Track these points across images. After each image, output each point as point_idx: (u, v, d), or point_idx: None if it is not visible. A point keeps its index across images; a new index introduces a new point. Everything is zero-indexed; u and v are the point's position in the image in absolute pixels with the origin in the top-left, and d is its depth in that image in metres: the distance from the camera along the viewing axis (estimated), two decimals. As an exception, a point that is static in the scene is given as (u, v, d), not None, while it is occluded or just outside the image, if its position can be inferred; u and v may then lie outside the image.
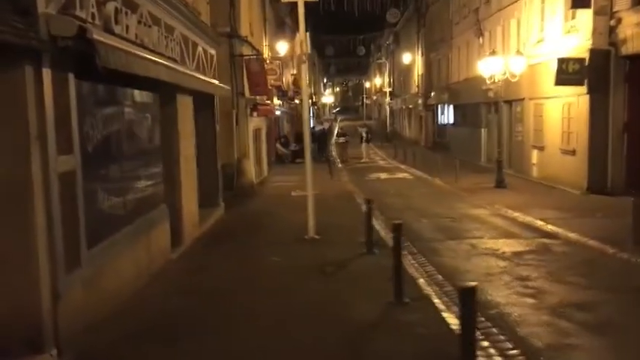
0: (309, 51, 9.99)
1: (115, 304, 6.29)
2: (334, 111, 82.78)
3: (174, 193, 9.30)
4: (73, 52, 5.21)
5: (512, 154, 21.17)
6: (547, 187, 16.91)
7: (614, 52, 14.68)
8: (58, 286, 5.05)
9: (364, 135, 32.03)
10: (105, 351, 5.40)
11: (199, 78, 10.22)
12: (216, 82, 12.01)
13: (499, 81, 17.22)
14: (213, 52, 12.62)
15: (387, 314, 6.20)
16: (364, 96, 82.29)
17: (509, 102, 20.75)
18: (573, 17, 16.34)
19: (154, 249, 8.01)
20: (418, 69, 41.10)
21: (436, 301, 6.65)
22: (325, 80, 79.20)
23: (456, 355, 4.38)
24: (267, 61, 20.88)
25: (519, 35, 20.64)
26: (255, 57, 18.16)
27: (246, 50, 17.78)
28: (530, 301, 6.67)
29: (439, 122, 35.42)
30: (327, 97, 75.93)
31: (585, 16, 15.39)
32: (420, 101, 39.98)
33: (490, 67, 17.37)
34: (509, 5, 21.60)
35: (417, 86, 41.49)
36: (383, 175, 22.64)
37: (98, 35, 5.30)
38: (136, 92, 7.81)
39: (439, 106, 35.06)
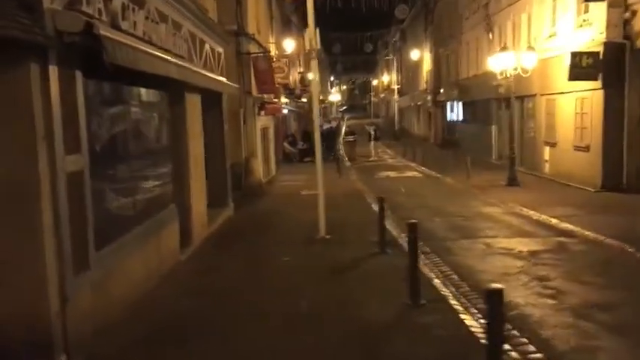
0: (318, 47, 9.80)
1: (124, 307, 6.16)
2: (341, 109, 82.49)
3: (183, 193, 9.16)
4: (79, 49, 5.08)
5: (523, 150, 20.90)
6: (560, 185, 16.65)
7: (629, 45, 14.40)
8: (67, 289, 4.92)
9: (372, 133, 31.85)
10: (115, 355, 5.27)
11: (208, 76, 10.08)
12: (224, 79, 11.86)
13: (510, 76, 16.96)
14: (220, 49, 12.47)
15: (403, 316, 6.02)
16: (371, 94, 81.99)
17: (520, 98, 20.44)
18: (586, 11, 16.06)
19: (163, 250, 7.88)
20: (426, 65, 40.80)
21: (453, 302, 6.46)
22: (332, 78, 78.93)
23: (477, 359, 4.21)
24: (274, 59, 20.72)
25: (530, 30, 20.36)
26: (262, 55, 18.02)
27: (253, 48, 17.63)
28: (550, 301, 6.47)
29: (448, 119, 35.12)
30: (334, 96, 75.62)
31: (599, 9, 15.12)
32: (428, 98, 39.68)
33: (501, 63, 17.13)
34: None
35: (426, 83, 41.20)
36: (392, 174, 22.43)
37: (105, 31, 5.15)
38: (144, 91, 7.68)
39: (448, 103, 34.77)
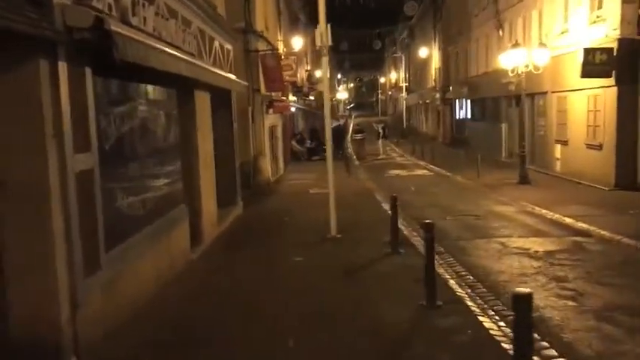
0: (330, 43, 9.64)
1: (134, 309, 6.04)
2: (348, 107, 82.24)
3: (194, 192, 9.05)
4: (89, 45, 4.95)
5: (534, 148, 20.67)
6: (572, 183, 16.43)
7: (644, 41, 14.16)
8: (77, 291, 4.80)
9: (381, 131, 31.66)
10: (125, 359, 5.15)
11: (218, 73, 9.95)
12: (233, 77, 11.74)
13: (522, 73, 16.73)
14: (229, 47, 12.34)
15: (419, 318, 5.87)
16: (379, 91, 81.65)
17: (531, 95, 20.21)
18: (599, 7, 15.82)
19: (174, 250, 7.77)
20: (435, 63, 40.51)
21: (470, 304, 6.30)
22: (339, 76, 78.65)
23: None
24: (283, 57, 20.58)
25: (541, 27, 20.10)
26: (270, 52, 17.88)
27: (261, 46, 17.50)
28: (570, 303, 6.30)
29: (457, 117, 34.86)
30: (342, 93, 75.34)
31: (612, 4, 14.88)
32: (437, 96, 39.41)
33: (512, 60, 16.89)
34: (530, -4, 21.09)
35: (434, 80, 40.91)
36: (402, 172, 22.26)
37: (115, 26, 5.03)
38: (154, 88, 7.55)
39: (457, 101, 34.51)
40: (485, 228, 10.78)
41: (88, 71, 5.22)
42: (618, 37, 14.61)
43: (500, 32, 24.24)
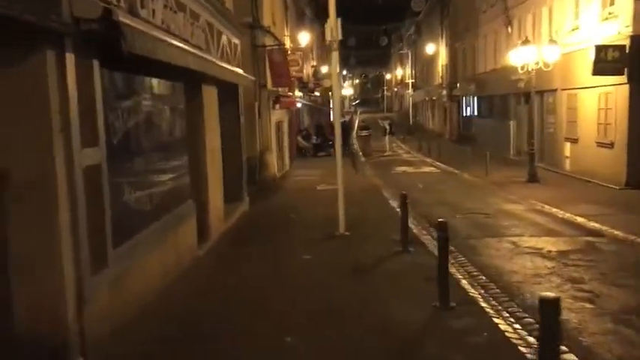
0: (340, 37, 9.48)
1: (141, 306, 5.93)
2: (354, 103, 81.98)
3: (201, 187, 8.93)
4: (96, 37, 4.82)
5: (543, 146, 20.45)
6: (581, 182, 16.24)
7: (657, 39, 13.94)
8: (84, 288, 4.69)
9: (387, 127, 31.51)
10: (132, 356, 5.04)
11: (225, 67, 9.82)
12: (241, 71, 11.60)
13: (532, 70, 16.53)
14: (237, 41, 12.21)
15: (433, 319, 5.73)
16: (384, 88, 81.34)
17: (540, 93, 19.98)
18: (611, 3, 15.59)
19: (181, 246, 7.65)
20: (442, 60, 40.26)
21: (484, 305, 6.16)
22: (345, 72, 78.41)
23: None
24: (289, 52, 20.43)
25: (551, 23, 19.85)
26: (277, 47, 17.73)
27: (268, 41, 17.35)
28: (588, 306, 6.14)
29: (464, 114, 34.63)
30: (347, 90, 75.06)
31: (625, 1, 14.66)
32: (444, 92, 39.17)
33: (522, 57, 16.70)
34: (540, -8, 20.84)
35: (441, 77, 40.66)
36: (408, 169, 22.09)
37: (124, 18, 4.90)
38: (161, 82, 7.43)
39: (464, 98, 34.27)
40: (495, 227, 10.62)
41: (96, 64, 5.09)
42: (631, 34, 14.39)
43: (509, 29, 24.00)
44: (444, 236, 6.03)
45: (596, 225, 10.35)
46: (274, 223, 11.52)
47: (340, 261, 8.19)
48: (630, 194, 13.72)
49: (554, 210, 12.02)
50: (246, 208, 12.63)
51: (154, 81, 7.16)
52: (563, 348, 4.96)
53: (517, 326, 5.51)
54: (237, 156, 12.25)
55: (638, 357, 4.93)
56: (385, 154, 28.69)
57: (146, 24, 5.90)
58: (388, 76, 79.62)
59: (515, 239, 9.43)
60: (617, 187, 14.59)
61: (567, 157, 18.66)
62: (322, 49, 39.91)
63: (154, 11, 6.35)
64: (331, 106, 45.13)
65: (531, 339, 5.19)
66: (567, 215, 11.40)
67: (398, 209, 12.52)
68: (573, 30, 18.01)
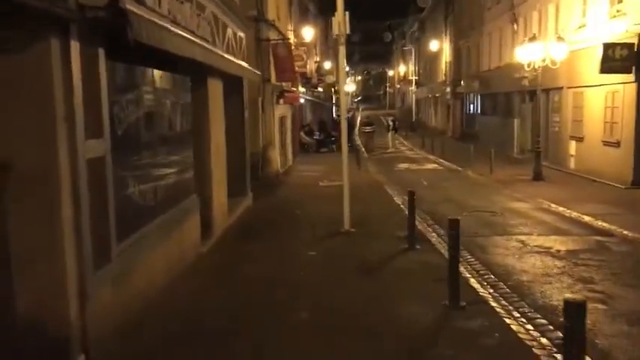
0: (348, 32, 9.32)
1: (144, 303, 5.80)
2: (356, 100, 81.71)
3: (205, 182, 8.79)
4: (102, 24, 4.67)
5: (548, 145, 20.28)
6: (587, 181, 16.10)
7: (666, 37, 13.77)
8: (87, 284, 4.55)
9: (391, 124, 31.32)
10: (134, 354, 4.91)
11: (231, 60, 9.66)
12: (246, 65, 11.44)
13: (539, 68, 16.36)
14: (242, 34, 12.05)
15: (443, 319, 5.59)
16: (387, 84, 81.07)
17: (545, 91, 19.82)
18: (620, 1, 15.43)
19: (185, 241, 7.52)
20: (446, 57, 40.04)
21: (494, 304, 6.03)
22: (347, 68, 78.11)
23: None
24: (293, 47, 20.25)
25: (558, 21, 19.67)
26: (282, 42, 17.55)
27: (272, 35, 17.17)
28: (600, 307, 6.01)
29: (468, 111, 34.44)
30: (349, 86, 74.82)
31: (634, -1, 14.49)
32: (447, 90, 38.97)
33: (529, 54, 16.53)
34: (547, -11, 20.65)
35: (445, 74, 40.45)
36: (412, 166, 21.96)
37: (130, 5, 4.74)
38: (166, 74, 7.28)
39: (468, 95, 34.08)
40: (502, 225, 10.49)
41: (101, 52, 4.94)
42: (639, 32, 14.22)
43: (515, 26, 23.82)
44: (455, 234, 5.89)
45: (605, 224, 10.21)
46: (278, 218, 11.39)
47: (346, 258, 8.06)
48: (637, 193, 13.58)
49: (560, 209, 11.89)
50: (249, 204, 12.49)
51: (160, 73, 7.02)
52: (579, 350, 4.85)
53: (529, 327, 5.38)
54: (241, 151, 12.11)
55: (656, 360, 4.80)
56: (388, 150, 28.54)
57: (153, 13, 5.75)
58: (391, 73, 79.35)
59: (523, 238, 9.30)
60: (623, 187, 14.45)
61: (572, 155, 18.51)
62: (325, 45, 39.74)
63: (160, 0, 6.19)
64: (334, 101, 45.00)
65: (544, 340, 5.08)
66: (574, 214, 11.27)
67: (402, 206, 12.46)
68: (580, 27, 17.84)
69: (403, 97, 69.04)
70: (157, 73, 6.90)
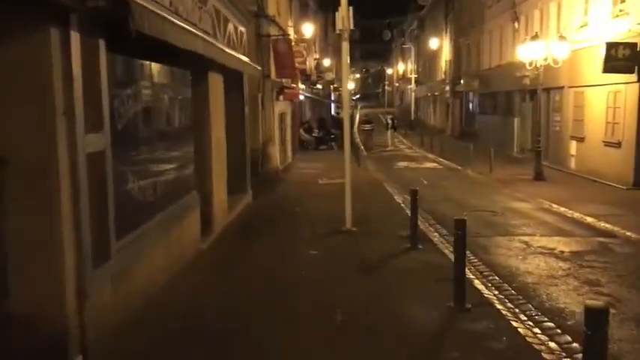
0: (352, 27, 9.19)
1: (144, 301, 5.67)
2: (354, 98, 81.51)
3: (205, 178, 8.66)
4: (103, 14, 4.54)
5: (548, 144, 20.19)
6: (588, 181, 16.02)
7: (670, 37, 13.68)
8: (85, 282, 4.42)
9: (390, 122, 31.20)
10: (133, 355, 4.78)
11: (233, 54, 9.52)
12: (247, 60, 11.30)
13: (540, 67, 16.26)
14: (243, 29, 11.90)
15: (449, 322, 5.48)
16: (386, 83, 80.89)
17: (546, 90, 19.73)
18: (623, 0, 15.32)
19: (185, 239, 7.39)
20: (445, 55, 39.92)
21: (500, 307, 5.91)
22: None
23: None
24: (293, 43, 20.09)
25: (560, 19, 19.57)
26: (282, 37, 17.41)
27: (273, 30, 17.02)
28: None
29: (467, 110, 34.33)
30: (348, 84, 74.60)
31: (637, -2, 14.39)
32: (446, 88, 38.86)
33: (531, 53, 16.42)
34: (549, -12, 20.53)
35: (444, 73, 40.33)
36: (411, 164, 21.85)
37: (133, -5, 4.60)
38: (168, 68, 7.14)
39: (468, 94, 33.98)
40: (504, 225, 10.38)
41: (102, 44, 4.80)
42: (643, 31, 14.15)
43: (516, 24, 23.71)
44: (461, 235, 5.78)
45: (607, 225, 10.12)
46: (278, 216, 11.26)
47: (348, 257, 7.95)
48: (638, 194, 13.50)
49: (562, 209, 11.79)
50: (249, 201, 12.36)
51: (160, 66, 6.88)
52: (589, 355, 4.75)
53: (537, 330, 5.27)
54: (241, 147, 11.97)
55: (668, 366, 4.70)
56: (387, 148, 28.43)
57: (154, 4, 5.60)
58: (389, 71, 79.16)
59: (526, 238, 9.20)
60: (625, 187, 14.38)
61: (573, 155, 18.43)
62: (325, 42, 39.56)
63: (162, -8, 6.05)
64: (332, 98, 44.83)
65: (553, 344, 4.97)
66: (577, 215, 11.18)
67: (403, 204, 12.35)
68: (582, 27, 17.74)
69: (402, 95, 68.91)
70: (157, 66, 6.76)
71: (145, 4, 4.89)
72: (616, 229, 9.86)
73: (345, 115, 10.22)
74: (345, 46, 9.42)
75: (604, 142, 16.24)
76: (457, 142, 29.71)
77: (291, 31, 21.89)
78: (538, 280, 6.95)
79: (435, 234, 9.54)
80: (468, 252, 8.14)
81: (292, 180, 16.88)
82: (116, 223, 5.03)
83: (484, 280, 6.91)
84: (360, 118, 38.70)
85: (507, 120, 25.26)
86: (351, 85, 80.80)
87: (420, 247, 8.37)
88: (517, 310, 5.83)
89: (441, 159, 22.96)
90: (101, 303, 4.69)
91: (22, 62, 4.11)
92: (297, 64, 19.92)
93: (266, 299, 6.14)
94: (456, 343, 4.99)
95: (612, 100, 15.89)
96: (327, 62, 36.26)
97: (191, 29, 6.58)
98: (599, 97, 16.59)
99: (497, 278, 7.04)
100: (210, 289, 6.51)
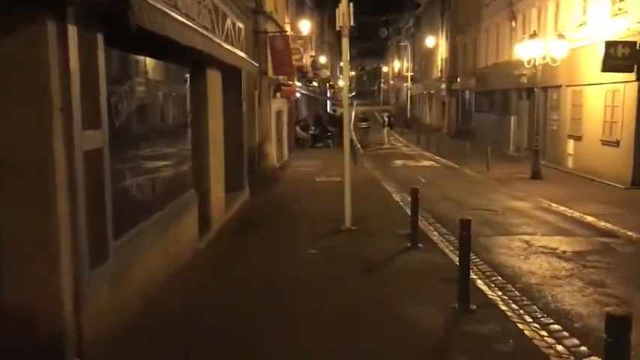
0: (352, 23, 9.07)
1: (142, 302, 5.54)
2: (350, 95, 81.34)
3: (203, 176, 8.52)
4: (101, 7, 4.40)
5: (545, 143, 20.13)
6: (585, 180, 15.98)
7: (669, 36, 13.64)
8: (82, 284, 4.29)
9: (386, 120, 31.11)
10: (132, 357, 4.66)
11: (231, 50, 9.36)
12: (245, 56, 11.15)
13: (539, 65, 16.19)
14: (241, 25, 11.74)
15: (454, 324, 5.38)
16: (381, 80, 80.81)
17: (544, 88, 19.68)
18: (622, -1, 15.28)
19: (182, 237, 7.26)
20: (442, 53, 39.84)
21: (504, 308, 5.82)
22: (342, 64, 77.84)
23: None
24: (290, 40, 19.93)
25: (558, 18, 19.51)
26: (279, 34, 17.25)
27: (270, 27, 16.87)
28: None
29: (464, 108, 34.27)
30: (343, 81, 74.55)
31: (636, -3, 14.34)
32: (442, 86, 38.78)
33: (529, 51, 16.35)
34: (547, -14, 20.47)
35: (440, 71, 40.26)
36: (408, 163, 21.77)
37: (132, -12, 4.46)
38: (165, 64, 6.99)
39: (464, 92, 33.91)
40: (504, 224, 10.30)
41: (100, 38, 4.66)
42: (642, 30, 14.10)
43: (513, 23, 23.64)
44: (466, 235, 5.68)
45: (608, 225, 10.06)
46: (276, 214, 11.14)
47: (348, 257, 7.84)
48: (637, 194, 13.46)
49: (562, 208, 11.73)
50: (246, 199, 12.23)
51: (158, 63, 6.73)
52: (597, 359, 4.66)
53: (543, 333, 5.18)
54: (238, 145, 11.83)
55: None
56: (384, 146, 28.33)
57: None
58: (385, 69, 79.09)
59: (527, 238, 9.12)
60: (623, 187, 14.34)
61: (570, 154, 18.39)
62: (320, 39, 39.41)
63: (161, -15, 5.90)
64: (329, 96, 44.69)
65: (560, 348, 4.88)
66: (576, 214, 11.11)
67: (401, 203, 12.25)
68: (580, 25, 17.68)
69: (397, 93, 68.80)
70: (155, 62, 6.61)
71: (144, -3, 4.75)
72: (617, 228, 9.80)
73: (345, 112, 10.10)
74: (345, 42, 9.30)
75: (602, 141, 16.20)
76: (453, 141, 29.65)
77: (287, 28, 21.73)
78: (542, 281, 6.87)
79: (435, 233, 9.45)
80: (469, 252, 8.13)
81: (289, 178, 16.76)
82: (114, 222, 4.89)
83: (487, 281, 6.82)
84: (356, 116, 38.59)
85: (504, 118, 25.21)
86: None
87: (421, 246, 8.28)
88: (522, 312, 5.75)
89: (437, 157, 22.89)
90: (99, 305, 4.56)
91: (17, 56, 3.97)
92: (294, 62, 19.77)
93: (265, 300, 6.01)
94: (461, 345, 4.90)
95: (611, 99, 15.84)
96: (322, 60, 36.15)
97: (191, 24, 6.44)
98: (598, 96, 16.55)
99: (500, 278, 6.96)
100: (208, 291, 6.37)
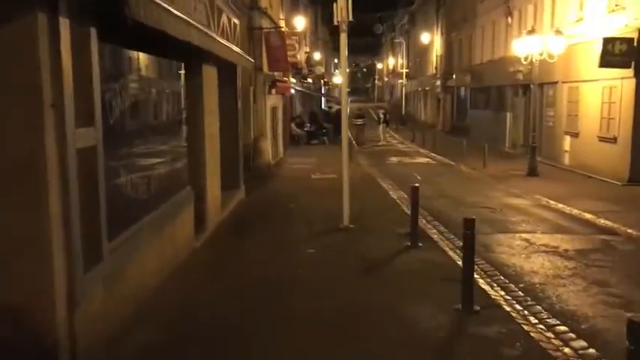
0: (351, 18, 8.92)
1: (137, 304, 5.39)
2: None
3: (199, 174, 8.36)
4: (94, 2, 4.23)
5: (541, 140, 20.03)
6: (582, 177, 15.93)
7: (667, 32, 13.57)
8: (76, 287, 4.12)
9: (382, 117, 30.94)
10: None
11: (227, 46, 9.19)
12: (241, 52, 10.98)
13: (536, 61, 16.10)
14: (236, 21, 11.55)
15: (458, 326, 5.25)
16: (376, 77, 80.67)
17: (540, 85, 19.58)
18: (619, -5, 15.20)
19: (178, 237, 7.09)
20: (437, 50, 39.74)
21: (508, 309, 5.70)
22: (336, 60, 77.57)
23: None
24: (285, 36, 19.74)
25: (554, 14, 19.43)
26: (275, 30, 17.07)
27: (265, 23, 16.68)
28: (622, 312, 5.68)
29: (459, 105, 34.19)
30: (338, 78, 74.30)
31: (634, -7, 14.26)
32: (437, 83, 38.70)
33: (527, 47, 16.26)
34: (543, -18, 20.37)
35: (435, 68, 40.16)
36: (404, 159, 21.66)
37: (127, -20, 4.29)
38: (159, 60, 6.82)
39: (459, 89, 33.83)
40: (503, 222, 10.20)
41: (93, 32, 4.48)
42: (639, 26, 14.02)
43: (509, 19, 23.56)
44: (470, 234, 5.55)
45: (608, 222, 9.99)
46: (273, 212, 10.99)
47: (348, 256, 7.72)
48: (635, 190, 13.40)
49: (560, 205, 11.65)
50: (242, 197, 12.07)
51: (153, 58, 6.56)
52: (606, 361, 4.56)
53: (550, 335, 5.07)
54: (234, 142, 11.66)
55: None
56: (379, 143, 28.20)
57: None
58: (380, 66, 78.96)
59: (527, 236, 9.02)
60: (620, 183, 14.30)
61: (566, 151, 18.35)
62: (315, 35, 39.20)
63: (156, -22, 5.72)
64: (323, 92, 44.49)
65: (568, 350, 4.77)
66: (575, 211, 11.04)
67: (398, 200, 12.14)
68: (577, 21, 17.60)
69: (392, 90, 68.69)
70: (149, 58, 6.44)
71: (139, -11, 4.58)
72: (616, 225, 9.72)
73: (343, 109, 9.95)
74: (344, 38, 9.15)
75: (599, 137, 16.14)
76: (448, 138, 29.58)
77: (282, 25, 21.53)
78: (545, 281, 6.76)
79: (434, 231, 9.33)
80: (469, 250, 8.01)
81: (285, 175, 16.60)
82: (108, 222, 4.73)
83: (489, 280, 6.71)
84: (352, 113, 38.39)
85: (499, 115, 25.15)
86: (340, 80, 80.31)
87: (420, 244, 8.16)
88: (527, 313, 5.63)
89: (433, 154, 22.80)
90: (92, 308, 4.39)
91: (6, 50, 3.79)
92: (289, 58, 19.59)
93: (263, 304, 5.85)
94: (467, 348, 4.78)
95: (608, 96, 15.79)
96: (317, 56, 35.98)
97: (187, 19, 6.26)
98: (594, 92, 16.49)
99: (502, 278, 6.85)
100: (204, 292, 6.21)
